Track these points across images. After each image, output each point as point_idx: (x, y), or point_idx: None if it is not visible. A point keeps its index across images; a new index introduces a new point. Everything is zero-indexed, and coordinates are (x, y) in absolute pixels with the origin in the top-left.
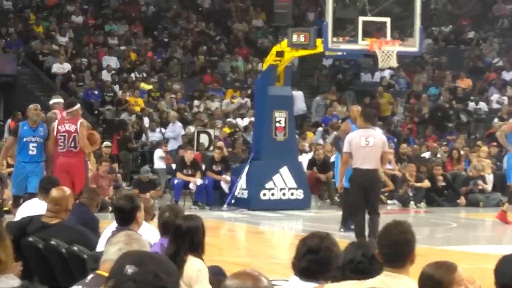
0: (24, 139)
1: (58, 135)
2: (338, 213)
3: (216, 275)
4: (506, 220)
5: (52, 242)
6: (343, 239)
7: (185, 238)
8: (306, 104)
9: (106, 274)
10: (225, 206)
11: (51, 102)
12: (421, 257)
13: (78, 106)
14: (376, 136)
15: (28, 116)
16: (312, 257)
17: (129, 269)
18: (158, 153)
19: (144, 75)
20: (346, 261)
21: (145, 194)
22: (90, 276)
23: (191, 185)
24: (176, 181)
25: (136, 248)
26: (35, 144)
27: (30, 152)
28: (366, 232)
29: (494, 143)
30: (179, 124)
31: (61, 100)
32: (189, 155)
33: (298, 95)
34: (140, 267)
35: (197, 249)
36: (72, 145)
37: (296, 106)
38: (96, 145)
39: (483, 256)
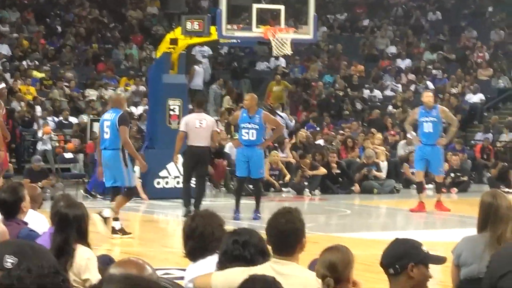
0: None
1: None
2: (233, 201)
3: (106, 264)
4: (445, 209)
5: None
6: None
7: (73, 227)
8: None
9: None
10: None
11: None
12: (316, 244)
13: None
14: (207, 119)
15: None
16: (190, 239)
17: (9, 260)
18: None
19: (37, 63)
20: (221, 253)
21: (37, 183)
22: None
23: None
24: None
25: None
26: None
27: None
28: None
29: (393, 132)
30: None
31: None
32: None
33: (199, 70)
34: (21, 258)
35: (84, 237)
36: None
37: (194, 81)
38: None
39: (377, 243)
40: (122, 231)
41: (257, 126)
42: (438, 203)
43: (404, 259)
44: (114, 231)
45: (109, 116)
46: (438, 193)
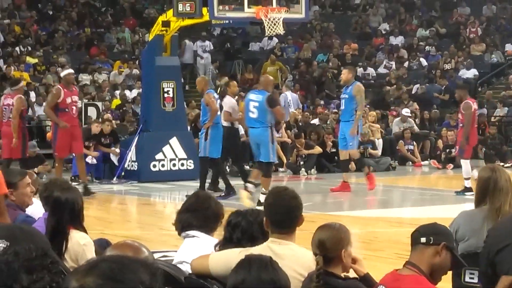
0: None
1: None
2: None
3: (103, 247)
4: (348, 188)
5: None
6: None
7: (65, 210)
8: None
9: None
10: (115, 179)
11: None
12: (313, 223)
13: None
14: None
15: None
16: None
17: (0, 244)
18: None
19: (29, 48)
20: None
21: (33, 169)
22: None
23: (88, 159)
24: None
25: None
26: None
27: None
28: None
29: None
30: None
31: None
32: (95, 128)
33: (190, 45)
34: (11, 241)
35: (79, 221)
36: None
37: (186, 55)
38: None
39: (374, 220)
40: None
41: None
42: (344, 184)
43: (441, 236)
44: (259, 203)
45: (255, 97)
46: (343, 171)
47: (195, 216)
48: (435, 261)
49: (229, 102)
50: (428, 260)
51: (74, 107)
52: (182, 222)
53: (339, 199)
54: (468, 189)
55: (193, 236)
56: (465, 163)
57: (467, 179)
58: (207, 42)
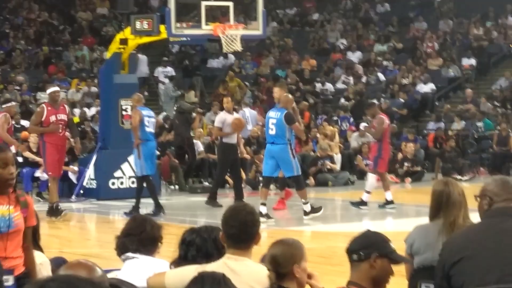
0: None
1: None
2: (188, 199)
3: (60, 265)
4: (284, 207)
5: None
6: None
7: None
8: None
9: None
10: (73, 197)
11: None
12: (271, 238)
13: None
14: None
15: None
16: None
17: None
18: None
19: None
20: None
21: None
22: None
23: (37, 173)
24: (24, 170)
25: None
26: None
27: None
28: None
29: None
30: None
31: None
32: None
33: (143, 58)
34: None
35: (36, 241)
36: None
37: (140, 69)
38: None
39: (333, 235)
40: (267, 216)
41: None
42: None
43: (370, 248)
44: (260, 214)
45: (274, 115)
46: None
47: (132, 240)
48: (372, 274)
49: (218, 117)
50: (366, 275)
51: (60, 126)
52: (121, 247)
53: (298, 214)
54: (363, 203)
55: (133, 258)
56: (372, 177)
57: (368, 192)
58: (169, 68)
